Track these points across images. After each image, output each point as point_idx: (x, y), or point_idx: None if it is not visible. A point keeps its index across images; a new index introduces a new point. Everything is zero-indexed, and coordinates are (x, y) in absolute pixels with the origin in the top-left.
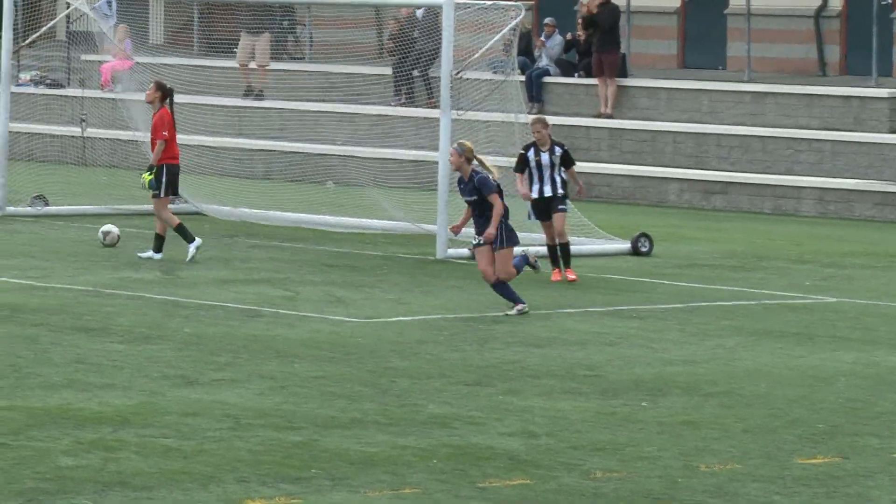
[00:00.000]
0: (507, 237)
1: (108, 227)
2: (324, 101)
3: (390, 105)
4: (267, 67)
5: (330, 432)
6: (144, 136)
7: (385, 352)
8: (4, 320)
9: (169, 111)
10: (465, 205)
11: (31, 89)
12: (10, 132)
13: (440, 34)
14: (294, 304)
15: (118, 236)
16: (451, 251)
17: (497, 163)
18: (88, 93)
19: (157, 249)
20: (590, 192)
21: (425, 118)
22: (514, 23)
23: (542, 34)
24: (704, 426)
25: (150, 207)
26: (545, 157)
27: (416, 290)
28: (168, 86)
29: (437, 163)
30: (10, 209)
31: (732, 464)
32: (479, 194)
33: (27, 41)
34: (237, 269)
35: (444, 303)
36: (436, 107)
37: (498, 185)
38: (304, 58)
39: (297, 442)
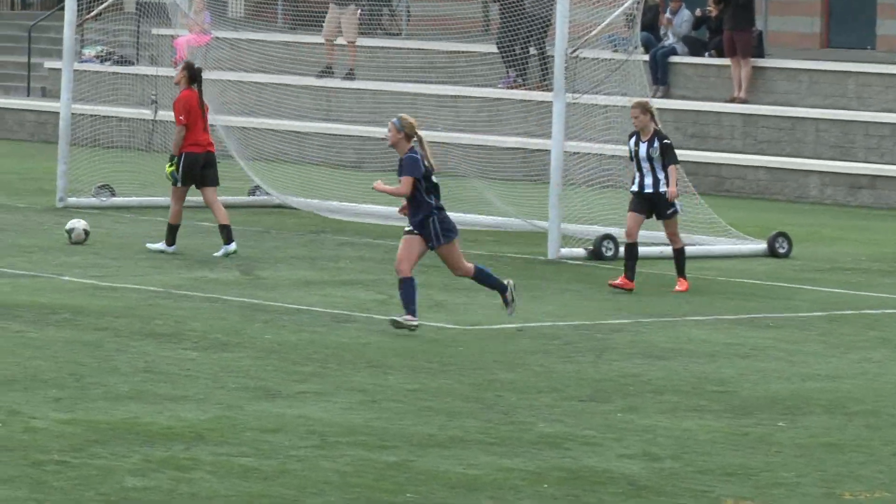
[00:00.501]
0: (443, 231)
1: (73, 222)
2: (422, 81)
3: (498, 87)
4: (356, 43)
5: (427, 452)
6: (218, 118)
7: (489, 363)
8: (65, 324)
9: (195, 94)
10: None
11: (97, 66)
12: (72, 114)
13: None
14: (387, 308)
15: (85, 232)
16: (565, 251)
17: (616, 152)
18: (161, 71)
19: (227, 241)
20: (721, 186)
21: (537, 102)
22: None
23: (668, 10)
24: (849, 449)
25: (227, 199)
26: (643, 149)
27: (524, 294)
28: (197, 66)
29: (549, 151)
30: (73, 200)
31: (880, 491)
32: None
33: (92, 13)
34: (324, 270)
35: (555, 308)
36: (548, 89)
37: (427, 172)
38: (400, 33)
39: (391, 463)
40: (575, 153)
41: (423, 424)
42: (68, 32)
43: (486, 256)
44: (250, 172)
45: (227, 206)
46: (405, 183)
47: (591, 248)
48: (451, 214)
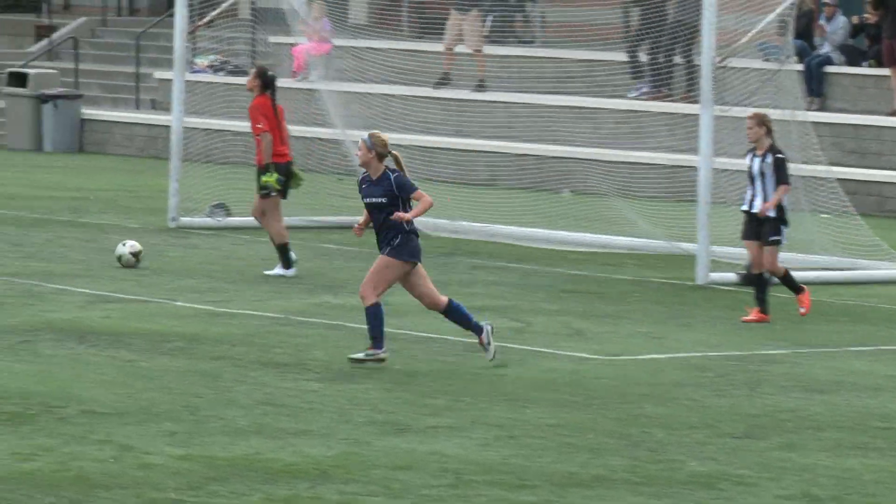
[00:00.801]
0: (401, 247)
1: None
2: (559, 93)
3: (638, 97)
4: (482, 51)
5: (569, 492)
6: (344, 133)
7: (635, 396)
8: (180, 353)
9: (269, 100)
10: (368, 210)
11: (210, 77)
12: (184, 128)
13: (699, 5)
14: (524, 336)
15: (133, 255)
16: (714, 275)
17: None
18: (279, 81)
19: (286, 265)
20: (883, 207)
21: (683, 115)
22: (790, 0)
23: (823, 16)
24: None
25: (353, 219)
26: (756, 164)
27: (671, 322)
28: (270, 73)
29: (696, 168)
30: (185, 220)
31: None
32: (390, 197)
33: (205, 19)
34: (456, 295)
35: (706, 337)
36: (695, 101)
37: None
38: (534, 41)
39: (530, 503)
40: (724, 170)
41: (564, 462)
42: (179, 41)
43: (629, 281)
44: None
45: (351, 227)
46: (423, 196)
47: (743, 272)
48: (589, 236)
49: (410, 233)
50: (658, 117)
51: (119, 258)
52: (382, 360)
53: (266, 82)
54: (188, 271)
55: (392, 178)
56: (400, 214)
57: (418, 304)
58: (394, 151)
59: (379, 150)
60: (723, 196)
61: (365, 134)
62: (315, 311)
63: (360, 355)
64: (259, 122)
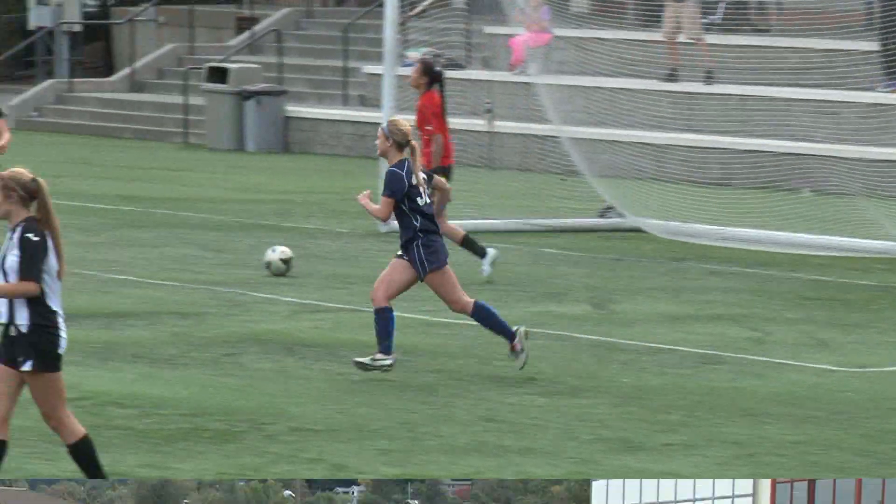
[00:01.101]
0: (428, 258)
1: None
2: (797, 85)
3: (878, 90)
4: (704, 41)
5: None
6: (562, 129)
7: (884, 410)
8: (395, 365)
9: (438, 97)
10: None
11: None
12: None
13: None
14: (763, 347)
15: (283, 261)
16: None
17: None
18: (495, 75)
19: (482, 253)
20: None
21: None
22: None
23: None
24: None
25: (574, 222)
26: None
27: None
28: (437, 68)
29: None
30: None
31: None
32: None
33: (416, 9)
34: (688, 303)
35: None
36: None
37: (412, 191)
38: (769, 30)
39: None
40: None
41: None
42: (389, 32)
43: (875, 287)
44: (601, 191)
45: (574, 230)
46: (383, 205)
47: None
48: (832, 238)
49: (425, 234)
50: None
51: (268, 265)
52: (387, 369)
53: (433, 77)
54: None
55: (389, 171)
56: (365, 201)
57: (648, 314)
58: (413, 142)
59: (396, 138)
60: None
61: (385, 122)
62: (537, 320)
63: (365, 360)
64: (429, 123)
